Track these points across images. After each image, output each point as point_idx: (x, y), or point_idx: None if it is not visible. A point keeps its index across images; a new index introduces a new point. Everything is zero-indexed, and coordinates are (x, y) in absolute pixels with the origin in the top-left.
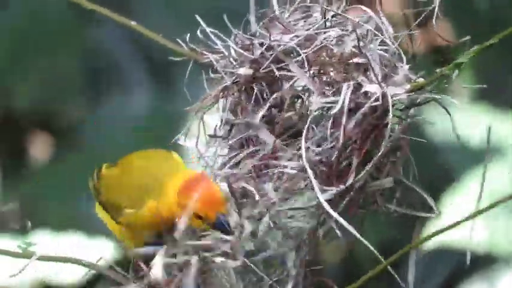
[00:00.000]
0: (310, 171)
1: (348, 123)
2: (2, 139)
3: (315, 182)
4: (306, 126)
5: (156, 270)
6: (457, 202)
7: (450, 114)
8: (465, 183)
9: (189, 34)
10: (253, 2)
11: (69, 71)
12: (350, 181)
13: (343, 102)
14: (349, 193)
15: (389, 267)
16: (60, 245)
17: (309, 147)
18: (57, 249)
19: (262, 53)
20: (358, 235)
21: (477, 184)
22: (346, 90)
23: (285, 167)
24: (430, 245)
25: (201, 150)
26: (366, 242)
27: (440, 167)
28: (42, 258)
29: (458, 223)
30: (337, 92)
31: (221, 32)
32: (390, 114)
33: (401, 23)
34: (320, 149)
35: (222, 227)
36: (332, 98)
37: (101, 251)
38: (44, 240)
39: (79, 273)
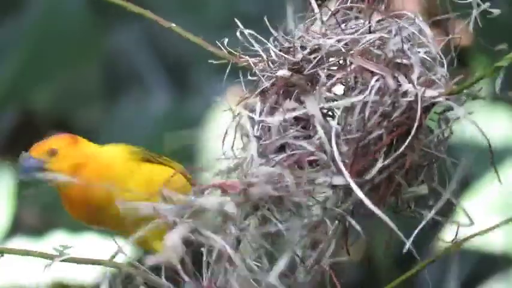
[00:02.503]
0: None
1: (373, 118)
2: (21, 142)
3: (344, 170)
4: (336, 118)
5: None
6: (474, 203)
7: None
8: (482, 184)
9: (227, 39)
10: (291, 8)
11: (88, 74)
12: (372, 174)
13: (370, 93)
14: (369, 185)
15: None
16: (76, 246)
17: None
18: (73, 250)
19: (303, 55)
20: (390, 222)
21: (494, 186)
22: (375, 82)
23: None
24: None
25: (236, 153)
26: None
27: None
28: (69, 259)
29: (491, 229)
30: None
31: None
32: (418, 114)
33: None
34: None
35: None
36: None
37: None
38: (60, 242)
39: (96, 274)
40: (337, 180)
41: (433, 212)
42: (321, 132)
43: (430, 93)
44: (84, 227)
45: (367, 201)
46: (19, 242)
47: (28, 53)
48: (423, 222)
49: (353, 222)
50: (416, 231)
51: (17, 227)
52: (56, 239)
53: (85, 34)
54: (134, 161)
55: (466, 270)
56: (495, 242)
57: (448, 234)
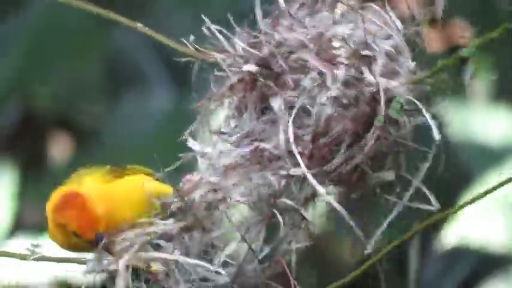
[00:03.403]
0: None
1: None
2: (22, 139)
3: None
4: (295, 109)
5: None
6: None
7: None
8: (483, 183)
9: (192, 36)
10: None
11: (89, 71)
12: (333, 164)
13: (332, 84)
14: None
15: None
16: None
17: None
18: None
19: (270, 50)
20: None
21: (494, 184)
22: (337, 73)
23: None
24: (448, 244)
25: (207, 150)
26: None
27: (458, 167)
28: (44, 258)
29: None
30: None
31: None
32: (382, 105)
33: (419, 21)
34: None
35: (99, 242)
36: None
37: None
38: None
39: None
40: (295, 171)
41: (405, 199)
42: (282, 125)
43: (391, 83)
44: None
45: (320, 189)
46: (21, 240)
47: (30, 49)
48: (394, 212)
49: (304, 213)
50: (387, 221)
51: (18, 226)
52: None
53: (87, 31)
54: (110, 182)
55: (467, 269)
56: (496, 241)
57: (447, 235)
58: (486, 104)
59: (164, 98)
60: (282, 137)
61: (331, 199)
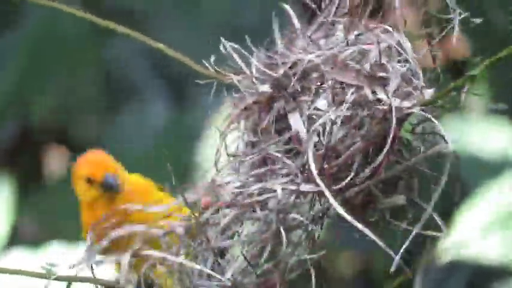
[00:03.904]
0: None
1: (349, 128)
2: (19, 152)
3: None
4: (310, 132)
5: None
6: (472, 215)
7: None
8: (480, 196)
9: (213, 56)
10: (276, 21)
11: (87, 84)
12: (343, 183)
13: (345, 103)
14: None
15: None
16: (75, 258)
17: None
18: (71, 262)
19: (285, 71)
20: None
21: (492, 197)
22: (351, 94)
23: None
24: (444, 258)
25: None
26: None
27: (455, 181)
28: (61, 278)
29: None
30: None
31: (245, 49)
32: (393, 125)
33: (419, 40)
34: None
35: (109, 185)
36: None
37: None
38: (58, 253)
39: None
40: (306, 188)
41: (419, 225)
42: (304, 144)
43: (404, 104)
44: (82, 239)
45: (337, 206)
46: (17, 253)
47: (27, 64)
48: (411, 235)
49: (318, 230)
50: (405, 246)
51: (15, 238)
52: (54, 250)
53: (84, 45)
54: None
55: (463, 282)
56: (492, 253)
57: (443, 247)
58: (483, 117)
59: (161, 110)
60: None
61: (345, 214)
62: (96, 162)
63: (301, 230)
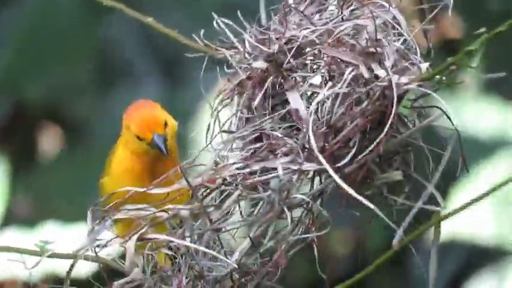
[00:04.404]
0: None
1: (348, 105)
2: (13, 132)
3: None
4: (310, 110)
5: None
6: (464, 195)
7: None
8: (474, 176)
9: (203, 30)
10: None
11: (80, 65)
12: (345, 161)
13: (343, 82)
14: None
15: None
16: (69, 237)
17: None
18: (66, 241)
19: (279, 46)
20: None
21: (486, 177)
22: (349, 73)
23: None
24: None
25: (216, 147)
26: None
27: (449, 160)
28: (54, 255)
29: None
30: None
31: (238, 26)
32: (395, 101)
33: (413, 17)
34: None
35: (157, 146)
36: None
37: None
38: (53, 232)
39: (92, 266)
40: (307, 166)
41: (419, 203)
42: (305, 123)
43: (402, 80)
44: (77, 217)
45: (343, 184)
46: (12, 233)
47: (21, 44)
48: (412, 212)
49: (320, 208)
50: (407, 221)
51: (9, 218)
52: (48, 230)
53: (77, 25)
54: None
55: (457, 262)
56: (486, 233)
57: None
58: (477, 96)
59: (154, 92)
60: (305, 131)
61: (350, 189)
62: (146, 121)
63: (303, 208)
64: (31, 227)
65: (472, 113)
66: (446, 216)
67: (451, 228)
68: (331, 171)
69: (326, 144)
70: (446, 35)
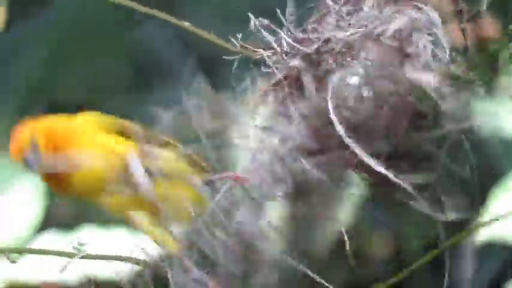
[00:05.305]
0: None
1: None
2: None
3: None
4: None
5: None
6: (505, 197)
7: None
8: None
9: (240, 33)
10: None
11: (116, 68)
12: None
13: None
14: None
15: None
16: (107, 242)
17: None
18: (103, 246)
19: (317, 47)
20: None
21: None
22: (382, 70)
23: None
24: (479, 239)
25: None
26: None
27: (488, 161)
28: (88, 256)
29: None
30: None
31: (271, 32)
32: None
33: (449, 17)
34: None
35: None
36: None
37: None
38: (90, 237)
39: (127, 270)
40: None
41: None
42: (336, 124)
43: (433, 79)
44: (115, 222)
45: (392, 176)
46: (50, 237)
47: (55, 46)
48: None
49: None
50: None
51: (48, 222)
52: (86, 234)
53: (113, 27)
54: (102, 133)
55: (497, 266)
56: None
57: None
58: None
59: (193, 93)
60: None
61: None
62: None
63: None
64: (69, 231)
65: (509, 114)
66: (482, 225)
67: (491, 229)
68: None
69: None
70: (484, 35)
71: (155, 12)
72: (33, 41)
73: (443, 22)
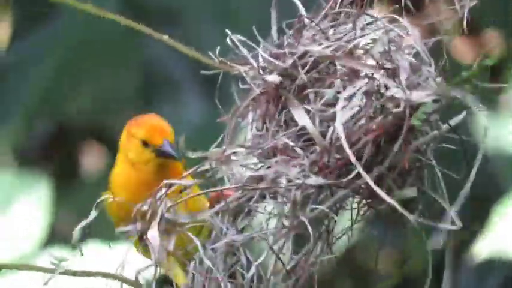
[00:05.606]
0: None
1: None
2: (56, 150)
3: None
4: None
5: (153, 233)
6: (508, 212)
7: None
8: None
9: (219, 47)
10: (274, 12)
11: (123, 82)
12: (352, 175)
13: (356, 95)
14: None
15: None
16: (113, 256)
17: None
18: (109, 260)
19: (294, 61)
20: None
21: None
22: (361, 86)
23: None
24: (482, 255)
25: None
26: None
27: (491, 176)
28: (66, 272)
29: None
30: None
31: (255, 41)
32: (407, 117)
33: (449, 30)
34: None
35: (166, 153)
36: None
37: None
38: (95, 251)
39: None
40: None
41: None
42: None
43: (417, 95)
44: (120, 236)
45: (379, 191)
46: (54, 252)
47: (63, 60)
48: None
49: (335, 218)
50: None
51: (52, 236)
52: (90, 248)
53: (120, 41)
54: None
55: (499, 281)
56: None
57: (480, 246)
58: None
59: (197, 108)
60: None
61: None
62: (156, 126)
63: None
64: (73, 246)
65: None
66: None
67: (494, 244)
68: (363, 174)
69: (337, 157)
70: (486, 50)
71: (152, 32)
72: (39, 56)
73: (446, 34)
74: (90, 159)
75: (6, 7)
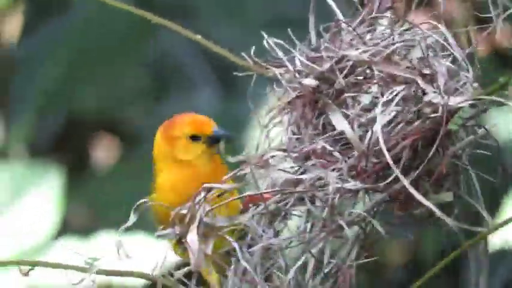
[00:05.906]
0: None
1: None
2: (68, 142)
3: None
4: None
5: (192, 237)
6: None
7: None
8: None
9: (254, 47)
10: (313, 17)
11: (134, 74)
12: (389, 179)
13: (394, 101)
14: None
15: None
16: (126, 247)
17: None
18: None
19: (331, 65)
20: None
21: None
22: (402, 89)
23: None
24: (492, 247)
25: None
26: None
27: (504, 170)
28: (100, 272)
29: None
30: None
31: (288, 42)
32: (443, 122)
33: (462, 26)
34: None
35: (222, 135)
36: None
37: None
38: (108, 243)
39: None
40: (353, 185)
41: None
42: (355, 142)
43: (454, 100)
44: (133, 227)
45: (418, 195)
46: (67, 243)
47: (74, 53)
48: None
49: (375, 223)
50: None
51: (65, 228)
52: (103, 240)
53: (132, 34)
54: None
55: (508, 272)
56: None
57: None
58: None
59: (209, 101)
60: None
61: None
62: (200, 119)
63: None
64: (86, 237)
65: None
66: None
67: (504, 236)
68: (401, 177)
69: (375, 161)
70: (498, 46)
71: (169, 24)
72: (51, 49)
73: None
74: (102, 151)
75: (17, 1)
